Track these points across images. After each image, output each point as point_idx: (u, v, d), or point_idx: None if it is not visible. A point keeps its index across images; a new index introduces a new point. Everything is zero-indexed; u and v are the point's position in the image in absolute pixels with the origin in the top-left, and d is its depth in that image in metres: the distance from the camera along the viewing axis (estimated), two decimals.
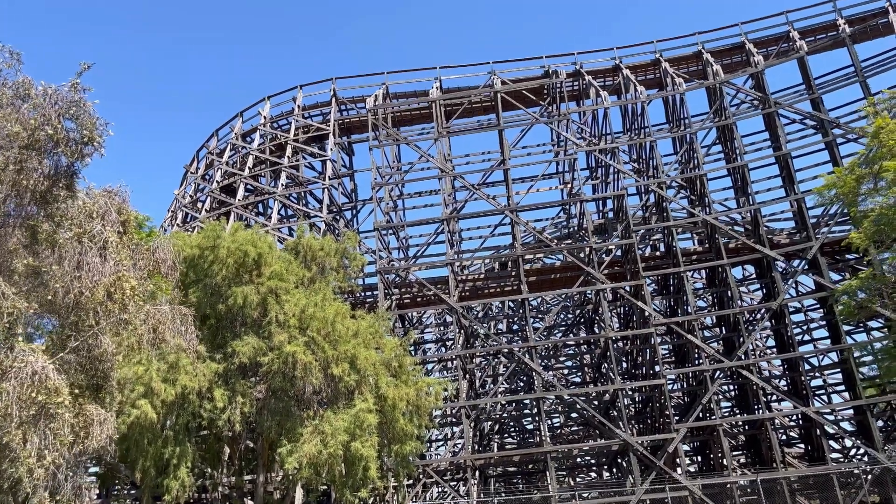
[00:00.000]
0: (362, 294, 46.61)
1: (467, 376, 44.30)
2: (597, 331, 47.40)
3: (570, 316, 53.81)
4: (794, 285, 44.57)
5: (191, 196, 53.00)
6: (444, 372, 55.84)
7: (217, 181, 50.99)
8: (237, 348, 26.76)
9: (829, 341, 43.20)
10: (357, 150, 55.55)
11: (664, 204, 42.94)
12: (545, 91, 49.63)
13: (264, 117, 52.50)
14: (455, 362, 40.52)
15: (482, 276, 47.83)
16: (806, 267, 41.06)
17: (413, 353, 51.96)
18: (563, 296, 50.87)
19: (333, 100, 51.10)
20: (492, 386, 50.13)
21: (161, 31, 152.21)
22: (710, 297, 48.39)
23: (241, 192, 48.40)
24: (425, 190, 54.17)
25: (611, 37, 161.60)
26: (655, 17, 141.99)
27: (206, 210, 49.09)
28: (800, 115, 43.89)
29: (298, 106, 51.83)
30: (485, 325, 56.47)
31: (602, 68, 50.22)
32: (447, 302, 40.62)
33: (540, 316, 53.39)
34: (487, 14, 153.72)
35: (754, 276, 47.90)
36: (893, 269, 26.70)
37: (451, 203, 48.83)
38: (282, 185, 47.81)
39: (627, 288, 41.70)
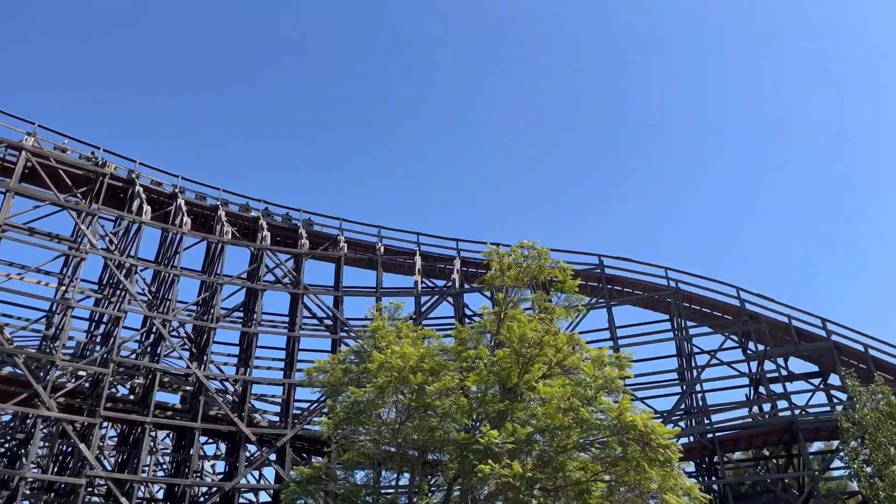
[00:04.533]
0: None
1: None
2: None
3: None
4: (258, 471, 42.77)
5: None
6: None
7: None
8: None
9: None
10: None
11: (161, 344, 38.63)
12: (90, 179, 42.88)
13: None
14: None
15: None
16: (274, 458, 39.79)
17: None
18: None
19: None
20: None
21: None
22: (171, 463, 43.50)
23: None
24: None
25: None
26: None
27: None
28: (321, 310, 45.59)
29: None
30: None
31: (160, 190, 46.16)
32: None
33: None
34: None
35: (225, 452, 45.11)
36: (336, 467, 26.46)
37: None
38: None
39: (79, 426, 34.67)
